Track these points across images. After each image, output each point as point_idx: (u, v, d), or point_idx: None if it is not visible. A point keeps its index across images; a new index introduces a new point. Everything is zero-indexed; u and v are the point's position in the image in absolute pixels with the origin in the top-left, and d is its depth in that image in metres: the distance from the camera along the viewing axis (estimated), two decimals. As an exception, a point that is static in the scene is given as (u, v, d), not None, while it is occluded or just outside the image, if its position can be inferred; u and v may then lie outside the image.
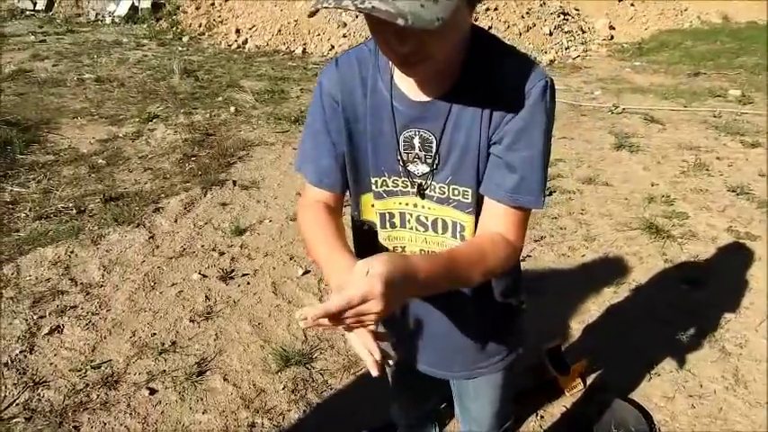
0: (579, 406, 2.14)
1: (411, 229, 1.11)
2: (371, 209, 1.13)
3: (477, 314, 1.19)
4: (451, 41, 0.90)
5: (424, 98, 1.00)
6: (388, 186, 1.08)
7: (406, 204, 1.09)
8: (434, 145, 1.02)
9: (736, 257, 3.08)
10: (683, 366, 2.33)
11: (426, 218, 1.09)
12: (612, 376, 2.26)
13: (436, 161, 1.03)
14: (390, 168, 1.06)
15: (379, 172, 1.07)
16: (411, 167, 1.05)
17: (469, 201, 1.04)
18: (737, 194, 3.73)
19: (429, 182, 1.05)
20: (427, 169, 1.04)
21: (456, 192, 1.04)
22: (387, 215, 1.11)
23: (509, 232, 1.01)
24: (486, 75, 0.98)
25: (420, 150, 1.03)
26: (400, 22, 0.74)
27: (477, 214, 1.05)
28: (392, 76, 1.02)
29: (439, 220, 1.08)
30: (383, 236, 1.14)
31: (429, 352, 1.27)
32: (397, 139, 1.03)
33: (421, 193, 1.06)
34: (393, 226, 1.12)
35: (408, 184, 1.06)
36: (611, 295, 2.78)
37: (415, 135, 1.02)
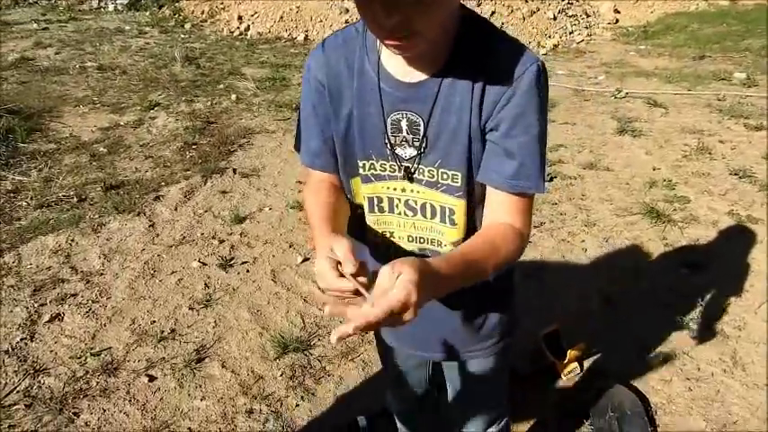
0: (576, 390, 2.14)
1: (399, 214, 1.11)
2: (361, 192, 1.13)
3: (470, 295, 1.18)
4: (438, 17, 0.89)
5: (412, 79, 0.99)
6: (375, 170, 1.07)
7: (394, 189, 1.08)
8: (422, 128, 1.01)
9: (736, 241, 3.06)
10: (681, 350, 2.33)
11: (415, 202, 1.08)
12: (610, 360, 2.27)
13: (424, 144, 1.02)
14: (378, 152, 1.05)
15: (366, 155, 1.07)
16: (399, 151, 1.04)
17: (459, 184, 1.03)
18: (740, 178, 3.70)
19: (417, 165, 1.04)
20: (415, 152, 1.03)
21: (445, 175, 1.03)
22: (375, 199, 1.11)
23: (515, 221, 1.01)
24: (476, 57, 0.97)
25: (408, 133, 1.02)
26: None
27: (469, 198, 1.04)
28: (379, 57, 1.01)
29: (428, 205, 1.08)
30: (371, 220, 1.14)
31: (423, 333, 1.27)
32: (384, 121, 1.02)
33: (409, 176, 1.06)
34: (381, 210, 1.12)
35: (396, 167, 1.06)
36: (610, 280, 2.77)
37: (403, 117, 1.01)
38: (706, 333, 2.41)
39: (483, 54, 0.97)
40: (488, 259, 0.96)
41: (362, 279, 0.84)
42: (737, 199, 3.46)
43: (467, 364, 1.33)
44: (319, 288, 0.89)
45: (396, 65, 0.99)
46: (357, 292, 0.84)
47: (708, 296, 2.59)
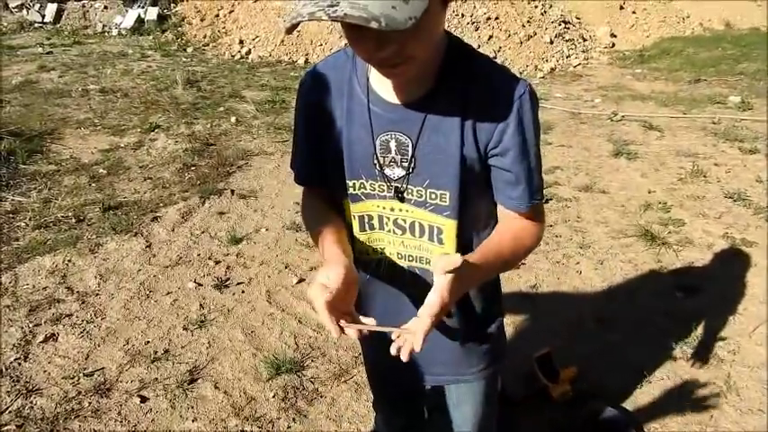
0: (569, 413, 2.13)
1: (389, 231, 1.13)
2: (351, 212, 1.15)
3: (461, 318, 1.20)
4: (430, 41, 0.92)
5: (401, 101, 1.02)
6: (365, 189, 1.09)
7: (383, 208, 1.10)
8: (410, 148, 1.03)
9: (731, 264, 3.07)
10: (674, 373, 2.32)
11: (404, 221, 1.10)
12: (603, 383, 2.26)
13: (412, 165, 1.04)
14: (367, 172, 1.08)
15: (355, 175, 1.09)
16: (387, 171, 1.06)
17: (447, 204, 1.05)
18: (734, 201, 3.72)
19: (406, 185, 1.06)
20: (403, 173, 1.05)
21: (433, 195, 1.05)
22: (365, 217, 1.13)
23: (531, 222, 1.10)
24: (463, 79, 1.00)
25: (396, 154, 1.05)
26: (374, 25, 0.76)
27: (460, 217, 1.07)
28: (368, 79, 1.04)
29: (416, 224, 1.10)
30: (363, 238, 1.15)
31: (414, 358, 1.27)
32: (373, 142, 1.05)
33: (399, 196, 1.08)
34: (372, 228, 1.14)
35: (385, 187, 1.08)
36: (604, 303, 2.78)
37: (392, 138, 1.04)
38: (700, 357, 2.40)
39: (470, 76, 1.00)
40: (514, 250, 1.08)
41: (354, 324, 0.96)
42: (732, 222, 3.48)
43: (456, 389, 1.34)
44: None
45: (385, 87, 1.02)
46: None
47: (702, 320, 2.59)
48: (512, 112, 0.99)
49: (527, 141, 1.02)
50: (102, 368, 2.30)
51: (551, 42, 8.09)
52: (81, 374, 2.25)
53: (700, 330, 2.53)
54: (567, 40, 8.34)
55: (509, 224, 1.10)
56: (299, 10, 0.80)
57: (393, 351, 0.92)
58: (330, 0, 0.77)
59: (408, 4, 0.79)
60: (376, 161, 1.06)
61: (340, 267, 0.96)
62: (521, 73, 7.10)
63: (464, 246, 1.09)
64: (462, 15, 7.99)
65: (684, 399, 2.20)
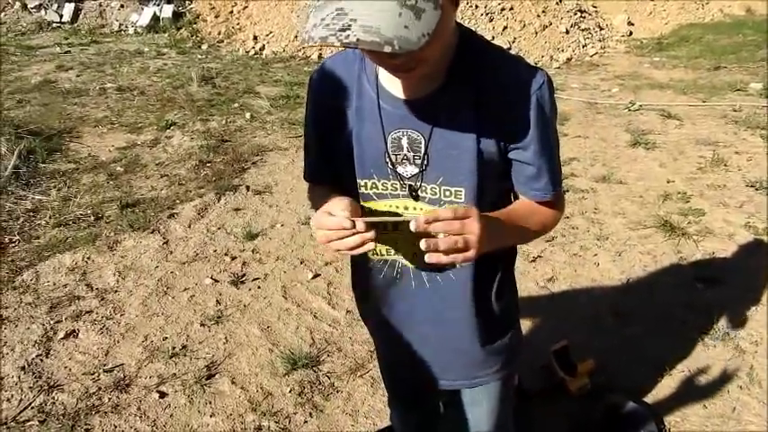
0: (587, 407, 2.11)
1: (403, 231, 1.11)
2: None
3: (476, 319, 1.17)
4: (442, 42, 0.91)
5: (412, 97, 1.00)
6: (377, 189, 1.08)
7: (397, 207, 1.09)
8: (423, 145, 1.01)
9: (753, 254, 3.01)
10: (695, 366, 2.29)
11: None
12: (622, 377, 2.24)
13: (425, 162, 1.02)
14: (379, 171, 1.06)
15: (367, 174, 1.07)
16: (399, 169, 1.05)
17: (462, 200, 1.03)
18: (756, 189, 3.65)
19: (419, 183, 1.05)
20: (416, 170, 1.04)
21: (447, 192, 1.04)
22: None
23: (552, 209, 1.12)
24: (477, 72, 0.98)
25: (408, 151, 1.03)
26: (387, 49, 0.76)
27: None
28: (377, 76, 1.03)
29: None
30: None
31: (428, 360, 1.26)
32: (385, 140, 1.03)
33: (414, 194, 1.06)
34: (385, 227, 1.13)
35: (398, 186, 1.06)
36: (622, 295, 2.74)
37: (403, 136, 1.02)
38: (721, 348, 2.37)
39: (483, 69, 0.99)
40: (533, 218, 1.09)
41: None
42: (754, 211, 3.41)
43: (471, 391, 1.32)
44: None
45: (395, 83, 1.00)
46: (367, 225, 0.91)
47: (723, 311, 2.55)
48: (531, 105, 0.98)
49: (548, 133, 1.02)
50: (122, 364, 2.33)
51: (567, 32, 7.98)
52: (101, 370, 2.28)
53: (721, 322, 2.49)
54: (583, 30, 8.23)
55: (529, 204, 1.10)
56: (310, 32, 0.79)
57: (423, 246, 0.87)
58: (341, 23, 0.76)
59: (421, 19, 0.78)
60: (388, 159, 1.04)
61: (344, 200, 0.96)
62: (536, 63, 7.02)
63: None
64: (476, 7, 7.91)
65: (706, 391, 2.17)
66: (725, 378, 2.23)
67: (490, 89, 0.98)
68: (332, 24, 0.76)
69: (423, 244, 0.87)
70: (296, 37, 8.03)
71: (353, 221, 0.90)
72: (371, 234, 0.91)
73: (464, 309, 1.15)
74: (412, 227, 0.86)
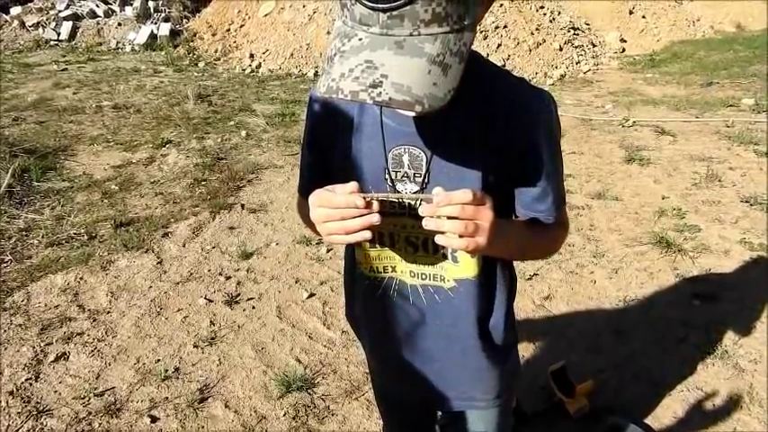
0: (586, 429, 2.08)
1: (400, 249, 1.09)
2: None
3: (474, 341, 1.15)
4: None
5: (416, 112, 0.99)
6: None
7: (394, 225, 1.07)
8: (424, 162, 1.00)
9: (749, 270, 3.00)
10: (694, 385, 2.27)
11: (417, 238, 1.06)
12: (620, 396, 2.21)
13: (426, 180, 1.01)
14: (377, 188, 1.04)
15: (364, 190, 1.06)
16: (399, 186, 1.03)
17: None
18: (751, 205, 3.65)
19: (419, 202, 1.03)
20: (416, 188, 1.02)
21: None
22: (376, 234, 1.10)
23: (556, 229, 1.10)
24: (481, 90, 0.97)
25: (409, 168, 1.01)
26: (417, 108, 0.75)
27: None
28: None
29: (429, 241, 1.06)
30: (373, 255, 1.12)
31: (425, 381, 1.24)
32: (385, 156, 1.01)
33: (413, 213, 1.05)
34: (383, 245, 1.10)
35: (397, 204, 1.05)
36: (620, 313, 2.72)
37: (405, 152, 1.00)
38: (720, 366, 2.35)
39: (489, 89, 0.98)
40: (538, 237, 1.07)
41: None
42: (749, 227, 3.41)
43: (468, 416, 1.29)
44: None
45: None
46: (369, 206, 0.86)
47: (721, 328, 2.53)
48: (539, 126, 0.98)
49: (555, 154, 1.02)
50: (113, 387, 2.29)
51: (561, 49, 8.05)
52: (92, 394, 2.24)
53: (719, 340, 2.47)
54: (576, 47, 8.30)
55: (533, 223, 1.09)
56: (338, 82, 0.76)
57: (427, 225, 0.85)
58: (372, 78, 0.74)
59: (447, 75, 0.77)
60: (387, 176, 1.02)
61: (352, 182, 0.90)
62: (530, 80, 7.07)
63: (481, 260, 1.06)
64: (470, 24, 7.98)
65: (706, 411, 2.14)
66: (725, 398, 2.20)
67: (497, 109, 0.97)
68: (362, 78, 0.74)
69: (427, 222, 0.84)
70: (292, 55, 8.08)
71: (366, 199, 0.85)
72: (377, 218, 0.86)
73: (462, 329, 1.13)
74: (424, 210, 0.83)
